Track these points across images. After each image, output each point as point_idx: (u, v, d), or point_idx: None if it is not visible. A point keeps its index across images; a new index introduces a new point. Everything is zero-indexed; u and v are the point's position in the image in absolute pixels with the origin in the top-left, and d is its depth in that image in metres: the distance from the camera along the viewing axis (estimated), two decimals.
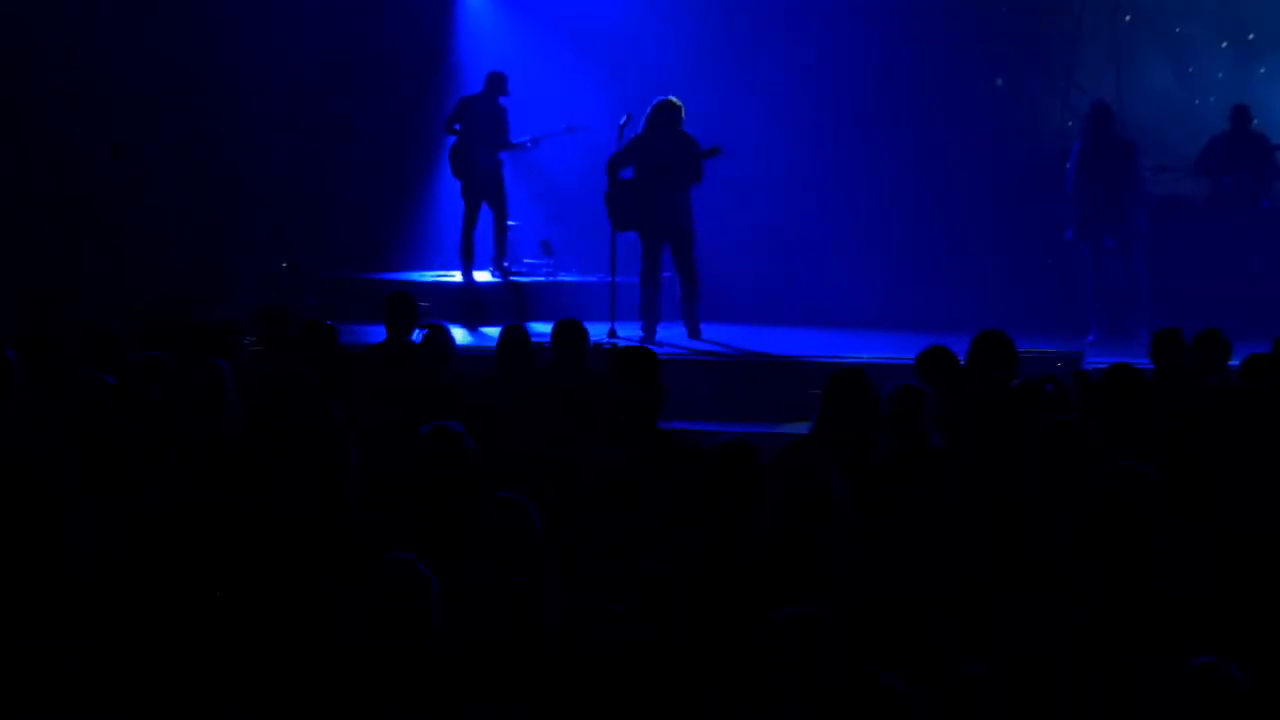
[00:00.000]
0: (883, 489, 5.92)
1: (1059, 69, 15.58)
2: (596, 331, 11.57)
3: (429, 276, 15.60)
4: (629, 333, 13.22)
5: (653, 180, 13.21)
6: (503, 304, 14.60)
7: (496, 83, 15.09)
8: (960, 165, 15.57)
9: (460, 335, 11.52)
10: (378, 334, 10.30)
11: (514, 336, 9.23)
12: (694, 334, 13.51)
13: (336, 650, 3.99)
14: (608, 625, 4.41)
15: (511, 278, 15.38)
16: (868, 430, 6.83)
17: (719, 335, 13.66)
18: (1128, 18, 15.49)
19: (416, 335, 9.79)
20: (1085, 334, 13.32)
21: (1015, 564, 4.69)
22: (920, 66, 15.65)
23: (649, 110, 13.29)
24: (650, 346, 10.34)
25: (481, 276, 15.32)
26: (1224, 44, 15.52)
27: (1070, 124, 15.21)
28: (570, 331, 9.10)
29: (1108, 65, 15.36)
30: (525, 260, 15.91)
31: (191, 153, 15.87)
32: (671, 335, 13.47)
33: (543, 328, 11.29)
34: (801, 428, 10.13)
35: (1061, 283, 14.33)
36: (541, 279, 15.50)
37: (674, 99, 13.32)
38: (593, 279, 15.14)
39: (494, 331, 13.22)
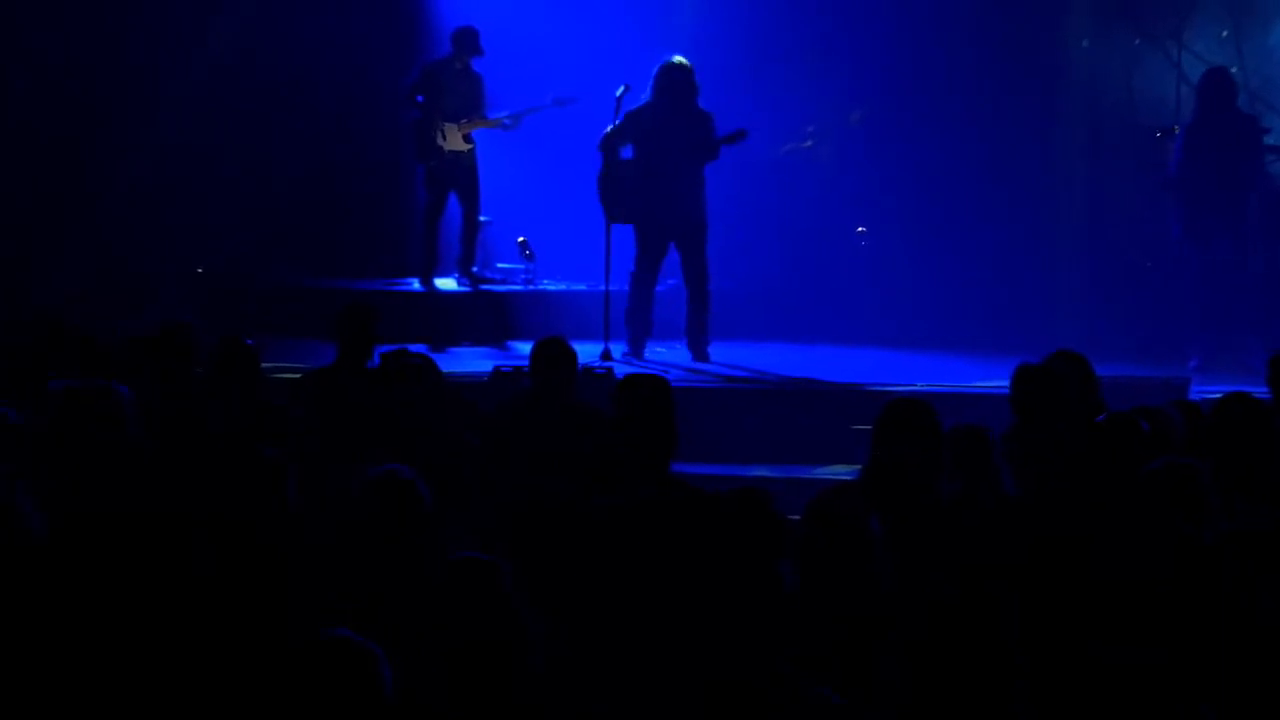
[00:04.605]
0: (935, 541, 6.69)
1: (1163, 27, 16.03)
2: (586, 353, 12.22)
3: (381, 284, 15.96)
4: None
5: (657, 161, 13.62)
6: (472, 318, 15.14)
7: (465, 42, 15.37)
8: (1036, 146, 16.03)
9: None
10: (319, 354, 10.91)
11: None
12: (700, 355, 13.93)
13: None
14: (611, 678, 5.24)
15: (483, 286, 15.84)
16: (925, 475, 7.35)
17: (731, 355, 14.10)
18: None
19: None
20: (1187, 358, 13.89)
21: None
22: (986, 26, 16.13)
23: (654, 73, 13.70)
24: (658, 372, 10.99)
25: (446, 285, 15.82)
26: None
27: (1182, 92, 15.62)
28: (554, 352, 9.45)
29: (1223, 21, 15.94)
30: (499, 265, 16.38)
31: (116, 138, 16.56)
32: (672, 355, 13.96)
33: (522, 347, 11.93)
34: (831, 470, 10.86)
35: (1159, 298, 14.90)
36: (519, 288, 15.98)
37: (681, 59, 13.76)
38: (582, 288, 15.59)
39: (463, 353, 13.79)
